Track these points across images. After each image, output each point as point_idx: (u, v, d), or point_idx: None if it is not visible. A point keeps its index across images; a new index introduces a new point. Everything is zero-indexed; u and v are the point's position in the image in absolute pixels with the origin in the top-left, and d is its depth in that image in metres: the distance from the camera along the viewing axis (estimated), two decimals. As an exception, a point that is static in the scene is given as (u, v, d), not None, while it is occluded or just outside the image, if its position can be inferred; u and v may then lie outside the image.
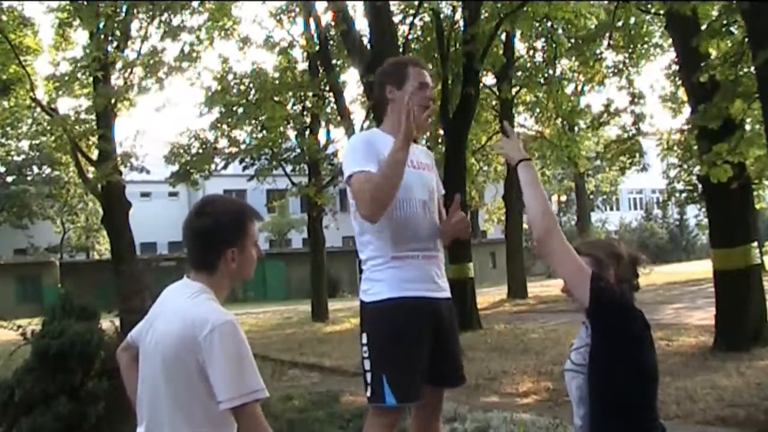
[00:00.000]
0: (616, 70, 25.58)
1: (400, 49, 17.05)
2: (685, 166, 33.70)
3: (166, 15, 21.53)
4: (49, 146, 35.09)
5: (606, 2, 21.45)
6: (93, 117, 23.50)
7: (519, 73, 25.11)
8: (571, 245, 3.23)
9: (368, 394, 4.12)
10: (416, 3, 21.19)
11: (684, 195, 39.02)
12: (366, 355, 4.12)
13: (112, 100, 21.68)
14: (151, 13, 21.27)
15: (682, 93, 21.82)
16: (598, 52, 21.65)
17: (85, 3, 21.20)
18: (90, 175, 25.61)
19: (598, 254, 3.31)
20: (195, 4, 21.54)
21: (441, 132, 22.52)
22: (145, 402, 3.05)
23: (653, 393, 3.25)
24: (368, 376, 4.10)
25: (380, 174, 4.01)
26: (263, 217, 3.24)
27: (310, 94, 26.23)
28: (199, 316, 2.90)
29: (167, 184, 27.25)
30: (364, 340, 4.14)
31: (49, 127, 29.50)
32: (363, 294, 4.22)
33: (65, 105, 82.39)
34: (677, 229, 66.46)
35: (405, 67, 4.33)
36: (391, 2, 17.59)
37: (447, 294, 4.33)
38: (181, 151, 26.15)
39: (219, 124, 25.83)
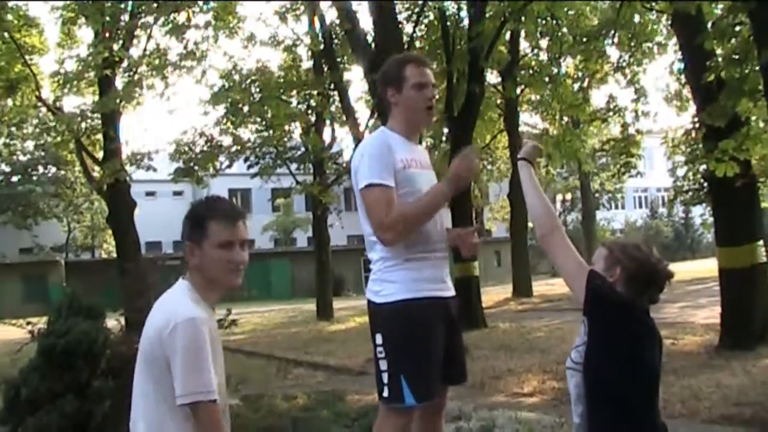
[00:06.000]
0: (619, 67, 25.50)
1: (405, 47, 17.04)
2: (691, 165, 33.64)
3: (171, 14, 21.53)
4: (54, 145, 35.12)
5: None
6: (98, 115, 23.53)
7: (523, 72, 25.10)
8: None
9: (384, 394, 4.10)
10: (421, 2, 21.19)
11: (690, 194, 38.92)
12: (382, 355, 4.12)
13: (119, 101, 21.68)
14: (156, 13, 21.27)
15: (687, 91, 21.76)
16: (601, 49, 21.63)
17: (90, 1, 21.24)
18: (96, 174, 25.66)
19: (614, 249, 3.34)
20: (200, 2, 21.57)
21: (446, 130, 22.53)
22: (132, 399, 3.10)
23: (651, 391, 3.24)
24: (384, 376, 4.09)
25: (418, 210, 4.13)
26: (241, 218, 3.16)
27: (315, 92, 26.26)
28: (167, 312, 2.96)
29: (172, 183, 27.33)
30: (379, 341, 4.13)
31: (54, 126, 29.45)
32: (374, 295, 4.20)
33: (70, 104, 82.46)
34: (682, 227, 66.38)
35: (403, 67, 4.33)
36: (395, 0, 17.61)
37: (453, 292, 4.37)
38: (186, 148, 26.17)
39: (224, 122, 25.88)
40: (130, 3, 21.07)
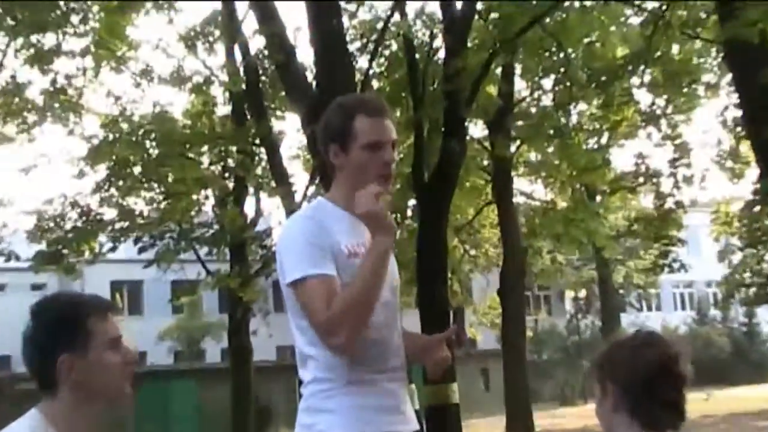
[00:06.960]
0: (651, 116, 25.54)
1: (358, 88, 17.13)
2: (753, 251, 33.98)
3: (34, 36, 21.49)
4: None
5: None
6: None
7: (520, 123, 25.32)
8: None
9: None
10: (380, 26, 21.27)
11: (753, 291, 39.16)
12: None
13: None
14: (11, 33, 21.22)
15: (745, 148, 22.11)
16: (627, 91, 21.84)
17: None
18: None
19: (598, 361, 3.22)
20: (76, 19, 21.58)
21: (412, 202, 22.59)
22: None
23: None
24: None
25: (359, 285, 3.96)
26: (118, 309, 3.23)
27: (234, 148, 26.29)
28: None
29: (30, 273, 27.05)
30: None
31: None
32: (305, 429, 4.18)
33: None
34: (744, 336, 66.46)
35: (351, 118, 4.18)
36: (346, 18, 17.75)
37: (415, 426, 4.33)
38: (51, 224, 25.95)
39: (106, 188, 25.74)
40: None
